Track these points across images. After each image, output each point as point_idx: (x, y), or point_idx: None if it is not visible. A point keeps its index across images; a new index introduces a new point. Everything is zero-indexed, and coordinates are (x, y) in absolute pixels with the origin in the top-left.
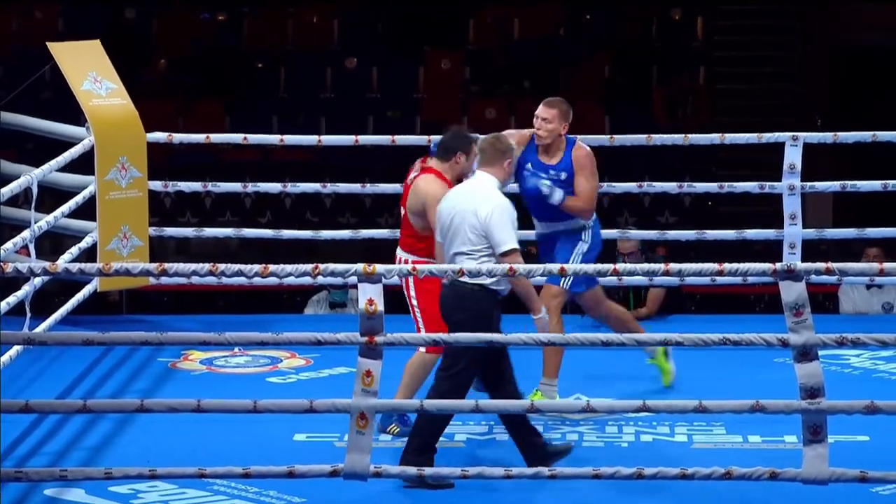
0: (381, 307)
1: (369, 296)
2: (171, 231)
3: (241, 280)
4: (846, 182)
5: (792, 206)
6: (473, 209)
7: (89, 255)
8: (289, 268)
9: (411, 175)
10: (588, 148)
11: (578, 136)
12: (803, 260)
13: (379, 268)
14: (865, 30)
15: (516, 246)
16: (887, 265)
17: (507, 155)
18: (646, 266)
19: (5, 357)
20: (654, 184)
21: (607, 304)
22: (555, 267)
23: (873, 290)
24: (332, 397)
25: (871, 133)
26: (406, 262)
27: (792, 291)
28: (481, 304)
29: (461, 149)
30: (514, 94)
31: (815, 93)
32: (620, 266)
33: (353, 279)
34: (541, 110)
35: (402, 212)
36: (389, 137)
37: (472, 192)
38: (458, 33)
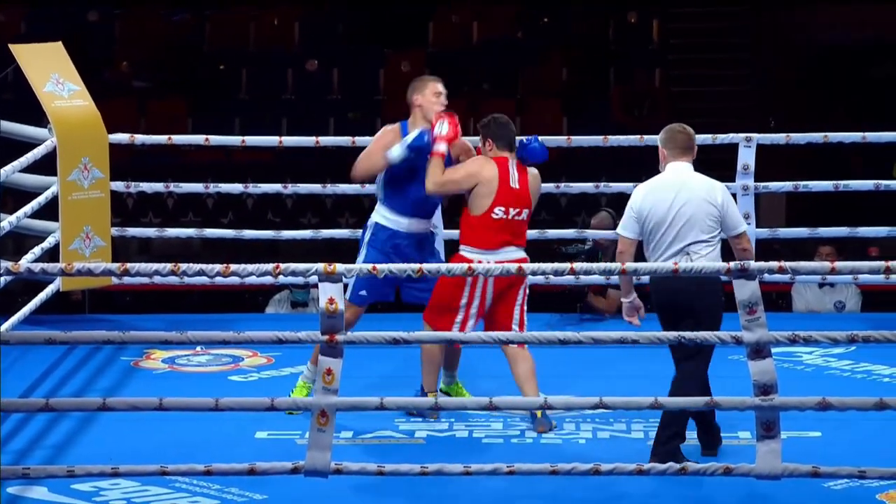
0: (341, 306)
1: (330, 295)
2: (133, 231)
3: (203, 280)
4: (799, 182)
5: (746, 206)
6: (709, 198)
7: (52, 255)
8: (250, 267)
9: (512, 173)
10: None
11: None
12: (757, 259)
13: (339, 267)
14: (819, 30)
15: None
16: (839, 264)
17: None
18: (602, 265)
19: None
20: (611, 184)
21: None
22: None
23: (826, 288)
24: (293, 395)
25: (823, 134)
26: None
27: (745, 290)
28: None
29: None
30: (475, 96)
31: (770, 94)
32: (577, 265)
33: (314, 279)
34: (441, 87)
35: (519, 214)
36: (350, 139)
37: (696, 182)
38: (419, 35)
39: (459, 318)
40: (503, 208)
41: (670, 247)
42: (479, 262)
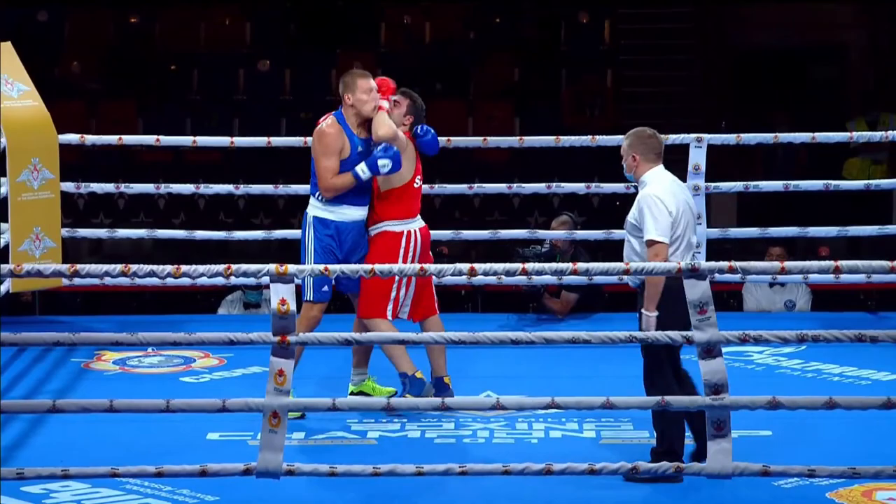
0: (293, 307)
1: (282, 296)
2: (84, 232)
3: (154, 281)
4: (749, 182)
5: (697, 206)
6: (693, 202)
7: (1, 256)
8: (201, 268)
9: None
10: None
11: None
12: (708, 259)
13: (291, 268)
14: (761, 31)
15: None
16: (789, 264)
17: None
18: (553, 265)
19: None
20: (564, 184)
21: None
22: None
23: (776, 288)
24: (245, 396)
25: (773, 135)
26: None
27: (696, 290)
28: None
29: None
30: (426, 96)
31: (716, 95)
32: (529, 266)
33: (266, 279)
34: (371, 83)
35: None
36: (302, 139)
37: (682, 186)
38: (370, 35)
39: (391, 303)
40: (420, 177)
41: (690, 247)
42: (408, 231)
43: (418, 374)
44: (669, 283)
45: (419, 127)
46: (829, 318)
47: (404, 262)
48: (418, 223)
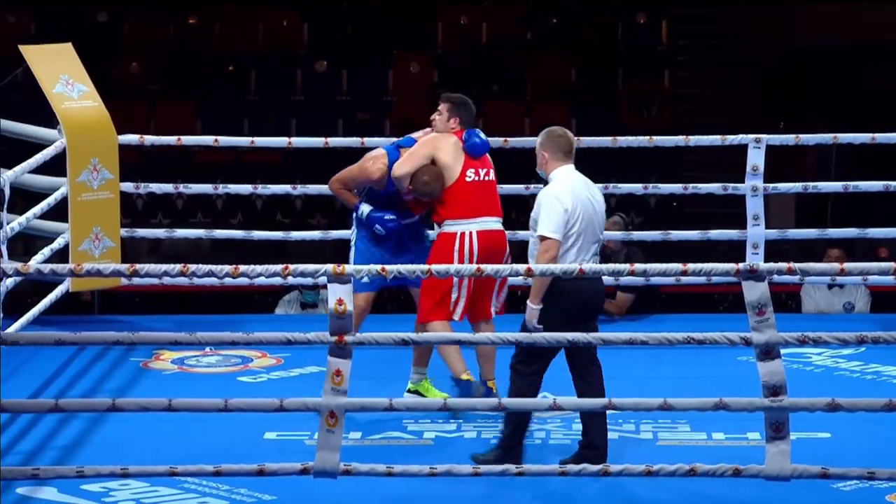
0: (350, 307)
1: (339, 296)
2: (142, 232)
3: (212, 280)
4: (808, 183)
5: (755, 207)
6: (600, 201)
7: (61, 256)
8: (259, 268)
9: None
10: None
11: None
12: (766, 260)
13: (348, 268)
14: (818, 30)
15: None
16: (848, 265)
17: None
18: (610, 266)
19: None
20: (620, 185)
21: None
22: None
23: (835, 289)
24: (302, 396)
25: (833, 135)
26: None
27: (755, 291)
28: None
29: (453, 108)
30: (482, 97)
31: (774, 95)
32: (586, 266)
33: (323, 279)
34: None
35: (488, 175)
36: (359, 139)
37: (592, 185)
38: (426, 36)
39: (448, 306)
40: (473, 169)
41: (588, 246)
42: (461, 233)
43: (464, 377)
44: (558, 281)
45: (465, 133)
46: (888, 320)
47: (461, 253)
48: (479, 224)
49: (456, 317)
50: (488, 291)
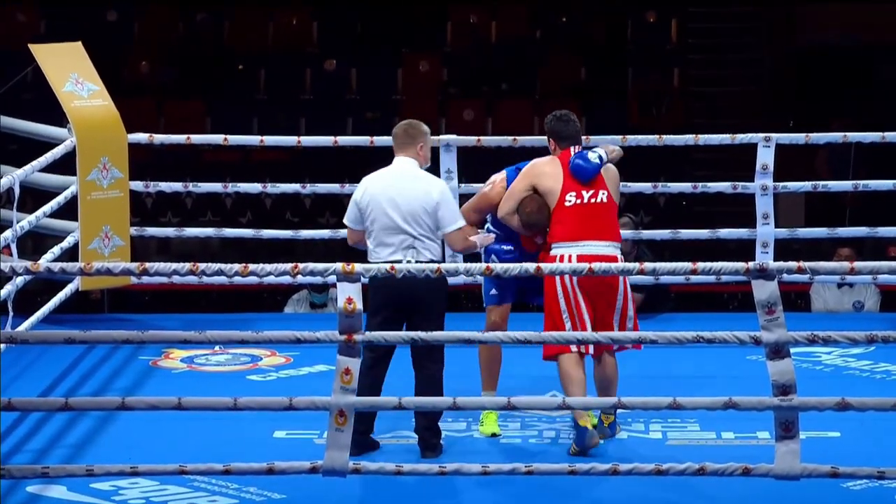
0: (359, 306)
1: (348, 294)
2: (152, 231)
3: (222, 279)
4: (818, 182)
5: (764, 205)
6: (425, 191)
7: (71, 254)
8: (269, 267)
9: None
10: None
11: None
12: (776, 259)
13: (358, 267)
14: (828, 29)
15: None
16: (858, 264)
17: (420, 139)
18: (619, 265)
19: None
20: (630, 184)
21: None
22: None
23: (844, 289)
24: (311, 395)
25: (842, 134)
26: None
27: (764, 290)
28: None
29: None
30: (492, 96)
31: (784, 93)
32: (595, 266)
33: (333, 278)
34: None
35: (595, 197)
36: (368, 139)
37: (412, 177)
38: (436, 35)
39: (568, 326)
40: (574, 193)
41: (385, 239)
42: (560, 255)
43: (581, 422)
44: (373, 277)
45: (573, 156)
46: None
47: (565, 292)
48: (579, 248)
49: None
50: (610, 318)
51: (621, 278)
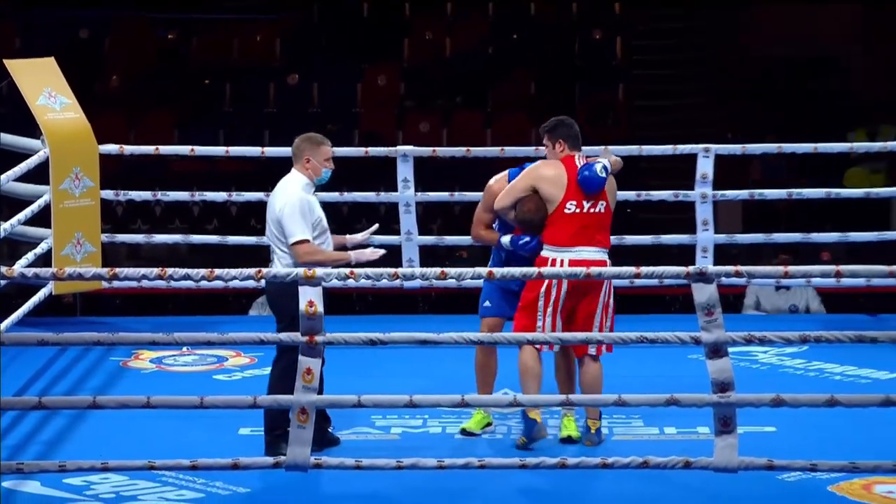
0: (320, 309)
1: (309, 298)
2: (122, 237)
3: (189, 283)
4: (754, 191)
5: (704, 213)
6: (276, 204)
7: (45, 260)
8: (233, 272)
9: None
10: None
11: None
12: (715, 263)
13: (318, 272)
14: (769, 44)
15: (307, 237)
16: (792, 268)
17: (304, 154)
18: (568, 270)
19: None
20: None
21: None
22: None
23: (782, 291)
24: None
25: (777, 146)
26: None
27: (704, 293)
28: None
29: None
30: (447, 109)
31: (725, 107)
32: (544, 270)
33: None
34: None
35: (594, 207)
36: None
37: (278, 190)
38: (394, 50)
39: (539, 323)
40: (575, 202)
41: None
42: (553, 259)
43: (531, 414)
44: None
45: (581, 167)
46: (830, 320)
47: (548, 291)
48: (573, 254)
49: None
50: (590, 319)
51: (608, 283)
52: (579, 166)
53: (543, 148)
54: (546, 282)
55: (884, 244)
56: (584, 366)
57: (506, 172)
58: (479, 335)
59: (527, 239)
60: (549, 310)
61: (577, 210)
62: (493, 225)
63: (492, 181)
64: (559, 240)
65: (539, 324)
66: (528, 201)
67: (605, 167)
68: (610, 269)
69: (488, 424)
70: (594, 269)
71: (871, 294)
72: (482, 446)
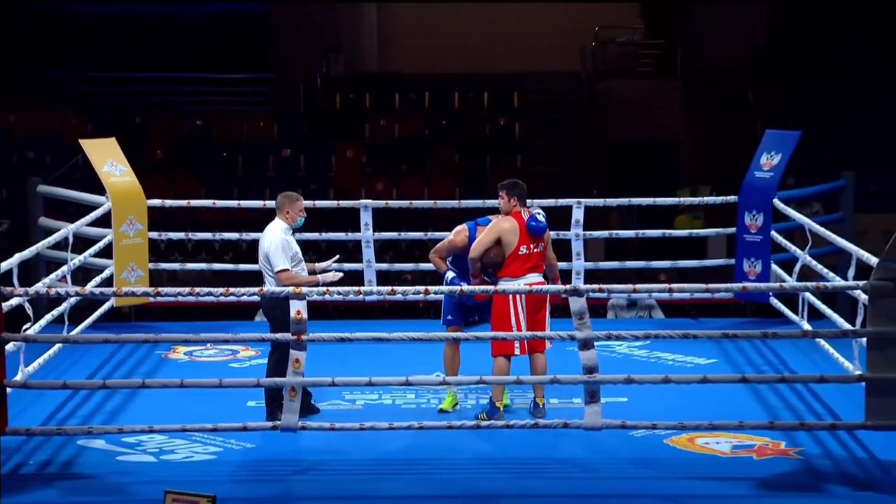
0: (305, 315)
1: (297, 308)
2: (164, 266)
3: (211, 298)
4: (612, 231)
5: (577, 247)
6: (263, 242)
7: (108, 282)
8: (243, 290)
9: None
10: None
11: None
12: (584, 283)
13: (304, 290)
14: (625, 128)
15: (287, 266)
16: (639, 286)
17: (284, 208)
18: (480, 288)
19: (50, 352)
20: None
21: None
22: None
23: (631, 307)
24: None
25: (628, 200)
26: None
27: (577, 304)
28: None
29: (508, 192)
30: (396, 174)
31: (594, 173)
32: (446, 288)
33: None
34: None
35: (537, 247)
36: (312, 202)
37: (267, 232)
38: (358, 132)
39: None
40: (526, 246)
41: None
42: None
43: (497, 403)
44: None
45: (528, 219)
46: (665, 323)
47: (515, 308)
48: (528, 279)
49: (517, 350)
50: (541, 324)
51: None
52: (526, 218)
53: (465, 201)
54: (511, 302)
55: (703, 269)
56: (533, 359)
57: (465, 225)
58: (419, 333)
59: (453, 275)
60: (521, 320)
61: (527, 251)
62: (448, 259)
63: (455, 230)
64: (516, 273)
65: (514, 329)
66: (492, 250)
67: (543, 216)
68: (512, 286)
69: (456, 404)
70: (490, 287)
71: (694, 304)
72: (425, 415)
